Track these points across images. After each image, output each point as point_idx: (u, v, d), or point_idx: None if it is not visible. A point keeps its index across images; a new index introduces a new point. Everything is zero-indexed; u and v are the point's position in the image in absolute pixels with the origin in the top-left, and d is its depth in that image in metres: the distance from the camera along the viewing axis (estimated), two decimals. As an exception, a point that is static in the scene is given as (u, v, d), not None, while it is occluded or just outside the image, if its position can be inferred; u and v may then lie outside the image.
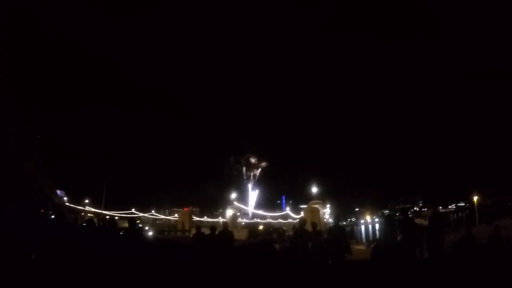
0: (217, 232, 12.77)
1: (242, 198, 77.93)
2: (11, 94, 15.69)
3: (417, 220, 13.83)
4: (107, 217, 52.91)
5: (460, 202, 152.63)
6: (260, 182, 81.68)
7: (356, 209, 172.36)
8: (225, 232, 12.89)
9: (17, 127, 17.71)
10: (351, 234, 71.05)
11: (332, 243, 11.37)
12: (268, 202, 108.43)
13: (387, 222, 11.97)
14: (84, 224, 11.96)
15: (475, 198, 49.06)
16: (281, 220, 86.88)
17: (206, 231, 12.95)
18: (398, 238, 11.28)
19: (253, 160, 78.09)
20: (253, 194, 79.09)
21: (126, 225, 10.56)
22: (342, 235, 11.80)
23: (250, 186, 77.97)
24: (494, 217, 30.59)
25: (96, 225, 15.14)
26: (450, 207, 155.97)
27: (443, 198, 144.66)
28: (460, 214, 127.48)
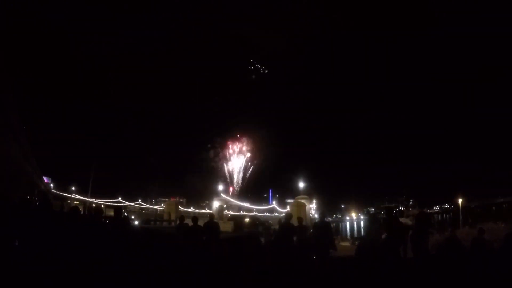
0: (202, 224, 12.78)
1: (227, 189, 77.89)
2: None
3: (402, 220, 13.97)
4: (93, 205, 52.60)
5: (444, 204, 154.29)
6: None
7: (342, 206, 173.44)
8: (211, 224, 12.89)
9: (3, 113, 17.49)
10: (336, 231, 71.58)
11: (317, 239, 11.42)
12: (255, 195, 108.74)
13: (372, 220, 12.08)
14: (69, 212, 11.87)
15: (460, 201, 49.69)
16: (267, 214, 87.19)
17: (190, 222, 12.95)
18: (383, 236, 11.38)
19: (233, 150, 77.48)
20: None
21: (112, 213, 10.50)
22: (327, 231, 11.85)
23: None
24: (478, 220, 31.08)
25: (82, 213, 15.07)
26: (434, 208, 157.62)
27: (428, 199, 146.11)
28: (444, 215, 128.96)
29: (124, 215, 12.46)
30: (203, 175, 78.65)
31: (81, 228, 8.71)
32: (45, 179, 50.71)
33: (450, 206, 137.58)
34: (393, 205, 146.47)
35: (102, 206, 51.61)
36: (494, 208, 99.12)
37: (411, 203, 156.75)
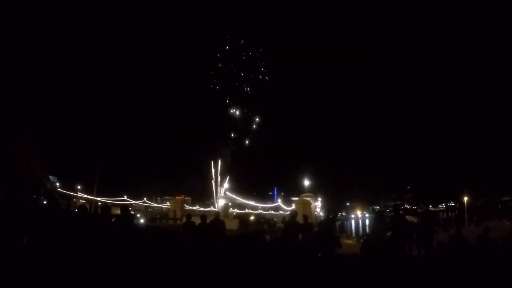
0: (208, 221, 12.85)
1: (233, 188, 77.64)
2: (5, 80, 15.61)
3: (407, 217, 13.98)
4: (100, 203, 52.77)
5: (450, 202, 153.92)
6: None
7: (347, 204, 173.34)
8: (217, 222, 12.97)
9: (10, 112, 17.60)
10: (342, 228, 71.48)
11: (323, 236, 11.46)
12: (260, 193, 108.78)
13: (377, 218, 12.08)
14: (76, 210, 11.96)
15: (465, 199, 49.42)
16: (272, 212, 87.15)
17: (197, 220, 13.01)
18: (388, 234, 11.40)
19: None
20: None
21: (119, 211, 10.56)
22: (332, 228, 11.91)
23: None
24: (483, 218, 30.94)
25: (88, 211, 15.16)
26: (440, 206, 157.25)
27: (433, 197, 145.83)
28: (449, 213, 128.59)
29: (130, 213, 12.52)
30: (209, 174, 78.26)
31: (89, 225, 8.79)
32: (51, 178, 50.85)
33: (455, 204, 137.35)
34: (399, 202, 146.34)
35: (109, 204, 51.70)
36: (499, 206, 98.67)
37: (416, 201, 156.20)
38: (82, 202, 47.44)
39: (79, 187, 65.16)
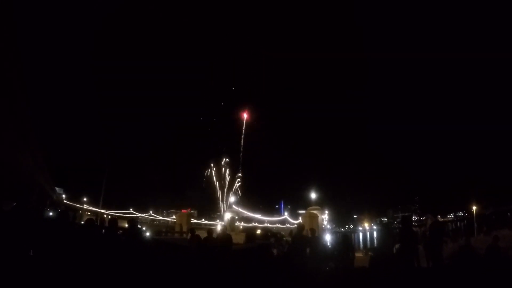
0: (215, 236, 12.78)
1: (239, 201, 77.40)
2: (13, 90, 15.71)
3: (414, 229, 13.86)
4: (109, 217, 52.83)
5: (458, 212, 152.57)
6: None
7: (354, 216, 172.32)
8: (224, 236, 12.90)
9: (16, 123, 17.69)
10: (345, 238, 70.79)
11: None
12: (267, 206, 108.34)
13: (385, 230, 11.95)
14: (84, 224, 11.92)
15: (474, 208, 49.06)
16: (278, 225, 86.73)
17: (202, 234, 12.94)
18: (396, 246, 11.27)
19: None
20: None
21: (126, 225, 10.53)
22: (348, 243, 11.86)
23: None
24: (492, 228, 30.59)
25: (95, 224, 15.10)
26: (448, 216, 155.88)
27: (441, 207, 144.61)
28: (458, 223, 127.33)
29: (138, 227, 12.47)
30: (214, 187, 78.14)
31: (96, 239, 8.76)
32: (57, 190, 50.98)
33: (464, 213, 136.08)
34: (407, 214, 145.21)
35: (115, 217, 51.81)
36: (509, 214, 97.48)
37: (424, 212, 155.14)
38: (88, 215, 47.53)
39: (85, 199, 65.33)
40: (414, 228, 13.73)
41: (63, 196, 56.46)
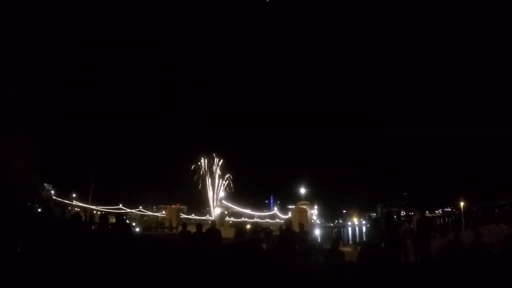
0: (204, 230, 12.79)
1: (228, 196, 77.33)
2: (3, 88, 15.55)
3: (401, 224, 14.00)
4: (98, 212, 52.59)
5: (446, 208, 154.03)
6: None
7: (344, 211, 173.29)
8: (213, 230, 12.91)
9: (5, 119, 17.51)
10: (339, 235, 71.33)
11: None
12: (256, 201, 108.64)
13: (373, 225, 12.06)
14: (71, 219, 11.87)
15: (462, 204, 49.64)
16: (268, 220, 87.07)
17: (193, 229, 12.97)
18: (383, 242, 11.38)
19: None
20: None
21: (114, 220, 10.50)
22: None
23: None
24: (479, 223, 30.99)
25: (83, 219, 15.06)
26: (436, 212, 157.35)
27: (429, 203, 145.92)
28: (446, 219, 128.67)
29: (126, 222, 12.43)
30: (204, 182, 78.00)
31: (83, 234, 8.74)
32: (46, 186, 50.62)
33: (452, 209, 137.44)
34: (394, 209, 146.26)
35: (104, 213, 51.64)
36: (496, 210, 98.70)
37: (412, 207, 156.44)
38: (76, 210, 47.23)
39: (74, 195, 64.98)
40: (400, 223, 13.86)
41: (52, 192, 56.09)
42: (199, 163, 74.48)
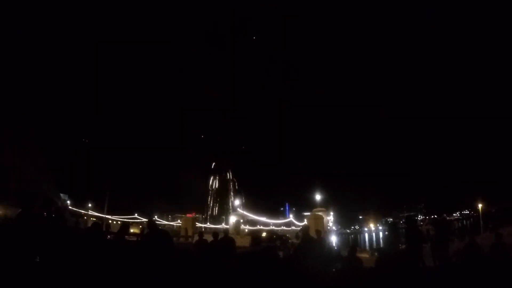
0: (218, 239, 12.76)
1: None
2: (14, 96, 15.75)
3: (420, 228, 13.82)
4: (114, 222, 52.96)
5: (464, 210, 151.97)
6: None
7: (360, 217, 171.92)
8: (226, 239, 12.86)
9: (19, 129, 17.76)
10: (355, 242, 70.71)
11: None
12: (271, 209, 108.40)
13: (391, 230, 11.91)
14: (90, 228, 11.91)
15: (480, 206, 48.81)
16: (284, 228, 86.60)
17: (210, 238, 12.93)
18: (402, 246, 11.21)
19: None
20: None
21: (134, 230, 10.48)
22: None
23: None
24: (498, 225, 30.42)
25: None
26: (454, 214, 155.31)
27: (447, 206, 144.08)
28: (464, 221, 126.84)
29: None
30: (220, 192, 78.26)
31: (102, 243, 8.76)
32: (61, 196, 51.04)
33: (470, 211, 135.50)
34: (412, 213, 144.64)
35: (119, 222, 52.00)
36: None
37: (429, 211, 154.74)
38: (93, 220, 47.58)
39: (89, 205, 65.49)
40: (419, 228, 13.69)
41: (68, 202, 56.58)
42: (213, 177, 75.03)
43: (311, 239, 11.60)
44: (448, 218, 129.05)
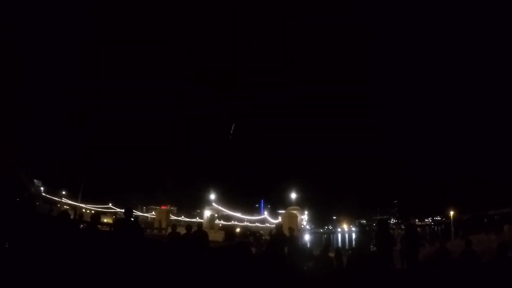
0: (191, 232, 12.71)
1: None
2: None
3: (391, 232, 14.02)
4: (87, 211, 52.25)
5: (436, 216, 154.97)
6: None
7: (334, 217, 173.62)
8: (199, 232, 12.81)
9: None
10: (328, 242, 71.26)
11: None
12: (247, 205, 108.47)
13: (362, 231, 12.06)
14: (58, 216, 11.70)
15: (452, 213, 49.86)
16: (258, 224, 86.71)
17: (183, 231, 12.87)
18: (372, 248, 11.36)
19: None
20: None
21: (107, 220, 10.35)
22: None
23: None
24: (469, 232, 31.11)
25: (72, 217, 14.87)
26: (426, 220, 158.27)
27: (419, 211, 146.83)
28: (436, 227, 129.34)
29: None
30: (196, 183, 77.91)
31: (71, 233, 8.61)
32: (35, 182, 50.03)
33: (442, 218, 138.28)
34: (385, 217, 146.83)
35: (93, 211, 51.32)
36: (485, 220, 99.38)
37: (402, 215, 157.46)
38: (65, 207, 46.82)
39: (63, 192, 64.39)
40: (390, 231, 13.89)
41: (42, 188, 55.48)
42: None
43: (283, 237, 11.66)
44: (420, 223, 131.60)
